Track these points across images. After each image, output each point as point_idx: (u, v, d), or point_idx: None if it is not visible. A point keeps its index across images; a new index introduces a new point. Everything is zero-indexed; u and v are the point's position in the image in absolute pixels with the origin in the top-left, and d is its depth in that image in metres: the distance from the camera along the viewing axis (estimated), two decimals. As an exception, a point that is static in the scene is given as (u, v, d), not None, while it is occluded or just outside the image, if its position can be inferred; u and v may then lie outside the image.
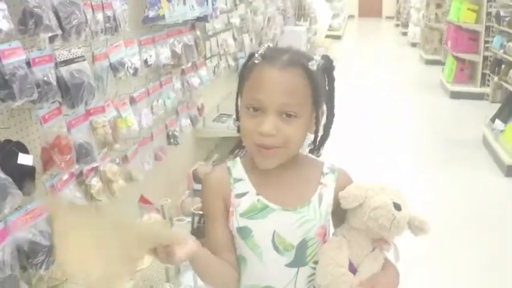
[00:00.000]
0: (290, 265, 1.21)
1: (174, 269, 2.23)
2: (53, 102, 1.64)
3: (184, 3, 2.66)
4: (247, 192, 1.21)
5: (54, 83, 1.61)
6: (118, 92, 2.25)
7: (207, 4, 2.97)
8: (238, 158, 1.29)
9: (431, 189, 4.41)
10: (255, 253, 1.21)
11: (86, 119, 1.91)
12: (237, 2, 4.19)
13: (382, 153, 5.22)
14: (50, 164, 1.67)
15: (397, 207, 1.19)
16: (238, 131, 1.23)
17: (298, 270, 1.22)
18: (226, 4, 3.81)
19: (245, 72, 1.20)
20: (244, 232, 1.20)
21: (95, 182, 1.96)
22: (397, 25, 15.67)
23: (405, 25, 13.75)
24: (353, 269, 1.21)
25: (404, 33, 13.53)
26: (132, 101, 2.36)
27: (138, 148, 2.38)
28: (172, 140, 2.80)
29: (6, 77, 1.40)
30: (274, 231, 1.19)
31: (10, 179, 1.38)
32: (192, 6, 2.76)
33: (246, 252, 1.22)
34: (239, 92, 1.22)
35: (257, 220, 1.19)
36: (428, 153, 5.33)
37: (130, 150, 2.31)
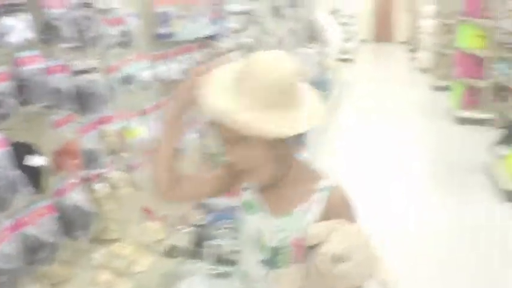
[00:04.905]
0: (264, 263, 1.34)
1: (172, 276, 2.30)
2: (66, 109, 1.74)
3: (195, 22, 2.78)
4: (249, 189, 1.39)
5: (69, 91, 1.73)
6: (128, 104, 2.36)
7: (218, 24, 3.09)
8: None
9: (432, 212, 4.44)
10: (245, 240, 1.38)
11: (96, 127, 2.01)
12: (248, 23, 4.31)
13: (384, 176, 5.27)
14: (60, 166, 1.77)
15: (337, 259, 1.14)
16: None
17: (269, 271, 1.33)
18: (237, 24, 3.94)
19: None
20: (241, 219, 1.40)
21: (101, 187, 2.05)
22: (410, 50, 15.71)
23: (417, 51, 13.80)
24: None
25: (416, 59, 13.57)
26: (142, 113, 2.46)
27: (145, 158, 2.48)
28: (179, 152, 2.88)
29: (25, 83, 1.51)
30: (258, 228, 1.34)
31: (22, 177, 1.47)
32: (203, 25, 2.89)
33: (242, 237, 1.41)
34: None
35: (249, 214, 1.37)
36: (430, 177, 5.35)
37: (137, 160, 2.41)
